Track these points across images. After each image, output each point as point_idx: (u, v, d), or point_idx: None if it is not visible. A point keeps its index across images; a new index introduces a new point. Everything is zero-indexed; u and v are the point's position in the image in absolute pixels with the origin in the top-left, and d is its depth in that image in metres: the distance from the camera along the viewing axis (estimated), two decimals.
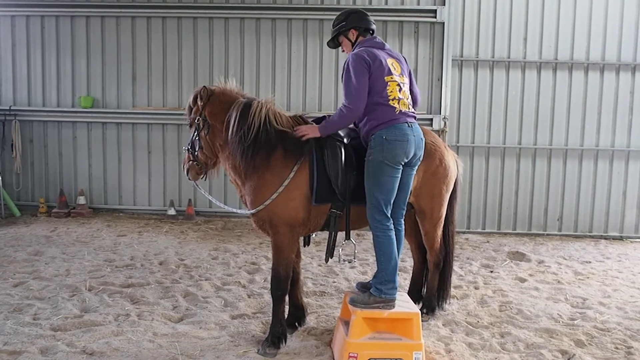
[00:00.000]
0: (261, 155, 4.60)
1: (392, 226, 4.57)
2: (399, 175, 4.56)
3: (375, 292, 4.51)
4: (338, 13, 4.94)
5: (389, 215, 4.55)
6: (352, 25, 4.83)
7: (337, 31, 4.89)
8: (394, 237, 4.56)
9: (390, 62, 4.65)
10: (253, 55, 10.61)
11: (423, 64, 10.39)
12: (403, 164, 4.55)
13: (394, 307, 4.50)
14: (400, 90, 4.63)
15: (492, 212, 10.48)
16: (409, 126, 4.58)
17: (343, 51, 4.96)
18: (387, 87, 4.56)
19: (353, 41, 4.85)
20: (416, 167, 4.76)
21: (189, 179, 5.05)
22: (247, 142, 4.57)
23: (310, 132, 4.65)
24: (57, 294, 5.91)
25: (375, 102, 4.54)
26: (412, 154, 4.58)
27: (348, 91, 4.50)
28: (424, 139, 4.75)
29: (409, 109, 4.68)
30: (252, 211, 4.66)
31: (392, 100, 4.56)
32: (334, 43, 5.00)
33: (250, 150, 4.58)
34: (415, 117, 4.72)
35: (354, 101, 4.47)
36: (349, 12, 4.91)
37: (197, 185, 5.18)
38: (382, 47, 4.74)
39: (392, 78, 4.59)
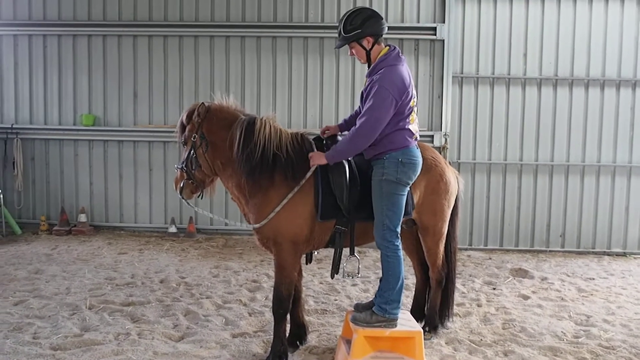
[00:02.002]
0: (266, 173, 4.59)
1: (400, 246, 4.57)
2: (406, 195, 4.63)
3: (379, 311, 4.48)
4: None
5: (399, 236, 4.57)
6: (368, 33, 4.53)
7: (351, 38, 4.55)
8: (401, 256, 4.57)
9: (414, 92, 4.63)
10: (254, 73, 10.64)
11: (423, 81, 10.40)
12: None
13: (396, 326, 4.47)
14: (415, 113, 4.69)
15: (494, 229, 10.44)
16: (417, 148, 4.67)
17: (351, 55, 4.70)
18: (412, 113, 4.60)
19: (368, 49, 4.58)
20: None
21: (182, 198, 4.92)
22: (254, 161, 4.56)
23: (317, 160, 4.59)
24: (57, 312, 5.88)
25: (400, 127, 4.53)
26: (417, 175, 4.66)
27: (372, 118, 4.38)
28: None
29: (417, 124, 4.73)
30: (257, 226, 4.63)
31: (412, 125, 4.62)
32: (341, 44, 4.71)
33: (257, 169, 4.56)
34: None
35: (373, 130, 4.41)
36: (364, 16, 4.52)
37: (189, 204, 5.09)
38: (404, 62, 4.61)
39: (414, 102, 4.61)
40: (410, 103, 4.54)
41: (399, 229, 4.56)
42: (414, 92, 4.61)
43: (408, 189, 4.63)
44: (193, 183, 4.85)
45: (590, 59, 10.16)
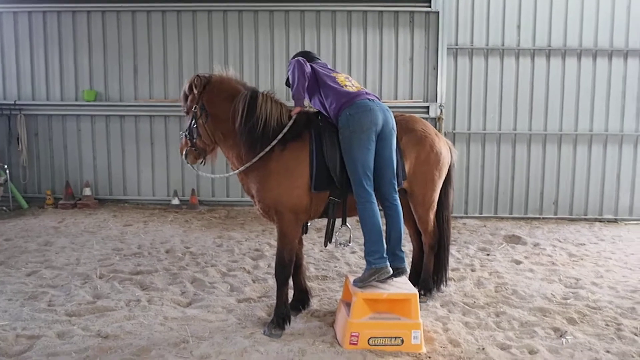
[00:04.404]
0: (267, 146, 4.77)
1: (371, 199, 4.69)
2: (372, 148, 4.72)
3: (367, 265, 4.72)
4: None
5: (367, 188, 4.69)
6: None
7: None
8: (374, 209, 4.69)
9: (332, 69, 5.22)
10: (252, 47, 10.79)
11: (419, 53, 10.57)
12: (374, 134, 4.72)
13: (389, 273, 4.67)
14: (348, 81, 5.00)
15: (489, 197, 10.70)
16: (370, 100, 4.81)
17: None
18: (337, 78, 4.97)
19: None
20: (393, 140, 4.87)
21: (187, 162, 5.16)
22: (256, 135, 4.75)
23: (295, 110, 4.94)
24: (69, 281, 6.12)
25: (331, 87, 4.89)
26: (380, 122, 4.75)
27: (294, 79, 4.91)
28: (390, 111, 4.92)
29: (364, 89, 4.97)
30: (238, 170, 4.95)
31: (345, 86, 4.90)
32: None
33: (259, 142, 4.76)
34: (377, 98, 4.97)
35: (299, 81, 4.86)
36: (296, 53, 5.41)
37: (193, 167, 5.25)
38: (325, 65, 5.27)
39: (337, 75, 5.03)
40: (332, 74, 5.05)
41: (366, 182, 4.69)
42: (328, 68, 5.18)
43: (371, 140, 4.72)
44: (195, 150, 5.07)
45: (582, 29, 10.33)
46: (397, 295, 4.65)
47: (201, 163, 5.21)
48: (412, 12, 10.51)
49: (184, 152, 5.12)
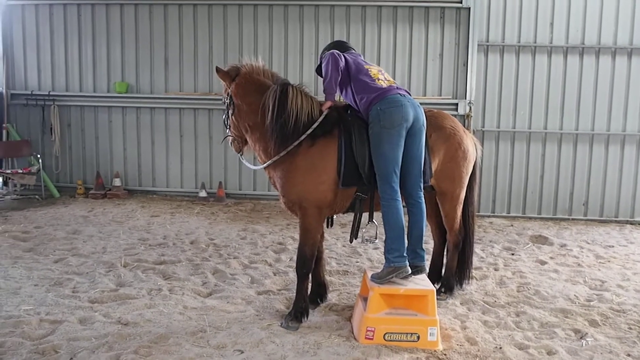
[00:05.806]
0: (295, 141, 4.77)
1: (397, 197, 4.68)
2: (401, 144, 4.69)
3: (385, 262, 4.72)
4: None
5: (394, 185, 4.68)
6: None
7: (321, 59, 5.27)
8: (398, 207, 4.69)
9: (366, 61, 5.16)
10: (281, 41, 10.82)
11: (449, 49, 10.48)
12: (405, 130, 4.69)
13: (407, 272, 4.66)
14: (381, 74, 4.98)
15: (517, 197, 10.56)
16: (401, 96, 4.78)
17: None
18: (370, 71, 4.94)
19: None
20: (423, 136, 4.82)
21: (234, 150, 5.34)
22: (288, 130, 4.75)
23: (326, 105, 4.93)
24: (94, 269, 6.24)
25: (363, 81, 4.87)
26: (411, 118, 4.70)
27: (326, 73, 4.90)
28: (421, 107, 4.88)
29: (396, 83, 4.96)
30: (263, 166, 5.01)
31: (378, 80, 4.87)
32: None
33: (289, 137, 4.74)
34: (408, 92, 4.94)
35: (331, 75, 4.86)
36: (330, 43, 5.47)
37: (241, 158, 5.39)
38: (358, 55, 5.26)
39: (370, 68, 4.99)
40: (365, 66, 5.01)
41: (392, 180, 4.67)
42: (362, 60, 5.13)
43: (400, 136, 4.69)
44: (235, 140, 5.20)
45: (617, 27, 10.09)
46: (414, 291, 4.64)
47: (240, 153, 5.33)
48: (443, 7, 10.42)
49: (230, 141, 5.29)
